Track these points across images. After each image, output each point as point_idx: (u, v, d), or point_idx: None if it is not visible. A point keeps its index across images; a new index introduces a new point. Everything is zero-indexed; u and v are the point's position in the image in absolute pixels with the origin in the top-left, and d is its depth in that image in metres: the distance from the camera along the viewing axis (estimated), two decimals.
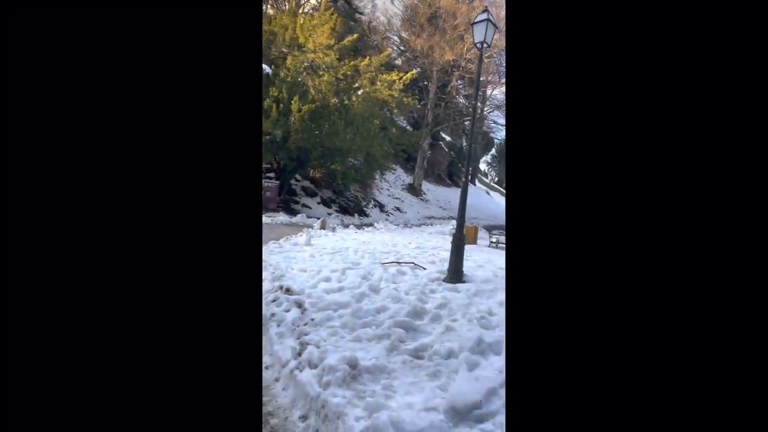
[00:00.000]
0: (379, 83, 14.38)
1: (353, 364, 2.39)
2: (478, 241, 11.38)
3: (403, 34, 21.76)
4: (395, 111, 16.57)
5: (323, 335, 2.93)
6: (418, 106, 20.64)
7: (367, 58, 14.40)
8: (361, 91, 14.32)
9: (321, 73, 12.86)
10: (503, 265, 6.82)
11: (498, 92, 24.26)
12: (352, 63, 13.68)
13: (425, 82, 21.61)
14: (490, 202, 31.61)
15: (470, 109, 5.37)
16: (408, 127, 21.79)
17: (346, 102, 13.50)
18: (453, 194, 25.27)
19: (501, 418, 1.98)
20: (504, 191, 43.23)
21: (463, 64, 20.02)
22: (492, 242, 10.89)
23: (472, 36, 5.00)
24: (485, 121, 26.45)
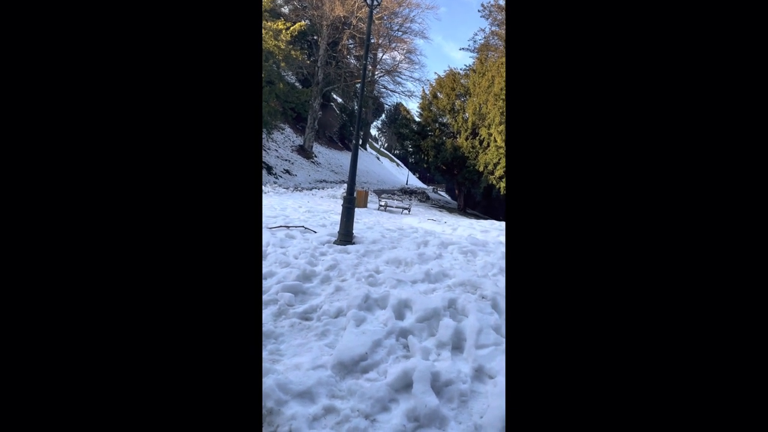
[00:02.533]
0: (263, 31, 13.01)
1: None
2: (368, 205, 11.76)
3: None
4: (282, 65, 15.36)
5: None
6: (308, 62, 19.49)
7: None
8: None
9: None
10: (390, 227, 7.21)
11: (388, 57, 24.51)
12: None
13: (314, 37, 20.39)
14: (380, 167, 32.68)
15: (361, 71, 5.28)
16: (297, 84, 20.54)
17: None
18: (345, 158, 25.25)
19: (385, 366, 2.13)
20: (392, 156, 45.06)
21: (354, 22, 19.43)
22: (381, 206, 11.36)
23: None
24: (376, 85, 26.60)
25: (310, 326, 2.58)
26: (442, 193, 29.19)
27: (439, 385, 1.96)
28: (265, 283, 3.22)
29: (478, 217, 18.98)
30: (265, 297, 2.91)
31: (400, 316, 2.70)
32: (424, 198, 21.01)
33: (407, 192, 22.42)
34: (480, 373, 2.10)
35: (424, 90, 21.95)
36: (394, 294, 2.94)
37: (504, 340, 2.38)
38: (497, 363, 2.14)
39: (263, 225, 5.63)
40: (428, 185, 32.24)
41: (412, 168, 37.85)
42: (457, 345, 2.36)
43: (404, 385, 1.96)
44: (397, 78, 25.53)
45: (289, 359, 2.16)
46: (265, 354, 2.18)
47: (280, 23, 13.59)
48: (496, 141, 19.10)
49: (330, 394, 1.88)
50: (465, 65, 28.19)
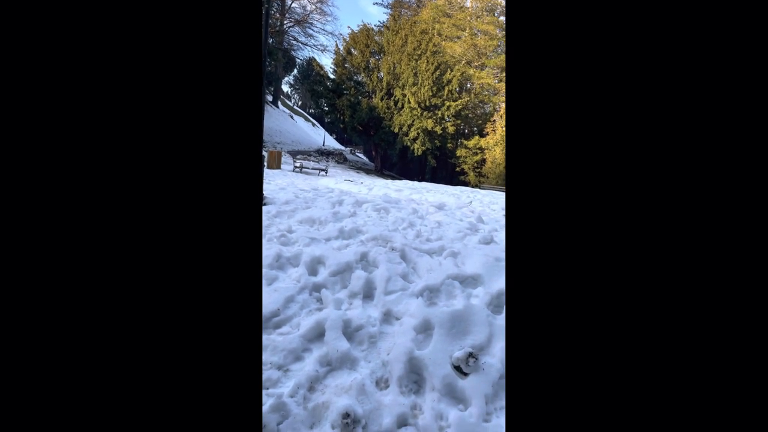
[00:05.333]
0: None
1: None
2: (282, 166, 11.24)
3: None
4: None
5: None
6: None
7: None
8: None
9: None
10: (304, 187, 7.05)
11: (297, 5, 22.63)
12: None
13: None
14: (294, 126, 31.05)
15: (265, 16, 4.74)
16: None
17: None
18: None
19: (298, 320, 2.16)
20: (308, 116, 43.10)
21: None
22: (296, 167, 10.97)
23: None
24: (285, 37, 24.55)
25: None
26: (360, 155, 29.18)
27: (350, 331, 2.07)
28: None
29: (394, 179, 19.52)
30: None
31: (313, 272, 2.73)
32: (341, 159, 20.78)
33: (324, 153, 21.90)
34: (388, 317, 2.27)
35: (337, 45, 21.01)
36: (307, 252, 2.94)
37: (410, 285, 2.58)
38: (403, 306, 2.33)
39: None
40: (346, 146, 31.88)
41: (329, 128, 36.80)
42: (367, 294, 2.49)
43: (317, 334, 2.03)
44: (308, 30, 23.83)
45: None
46: None
47: None
48: (410, 102, 19.44)
49: None
50: (379, 21, 27.46)
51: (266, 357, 1.85)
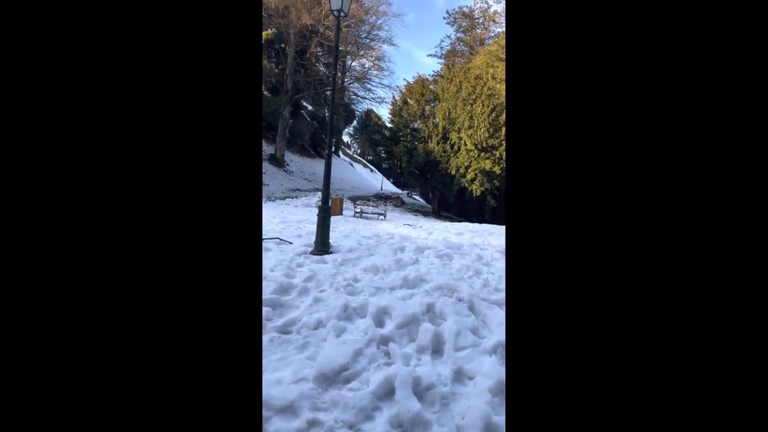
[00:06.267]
0: None
1: None
2: (344, 212, 11.73)
3: None
4: None
5: None
6: (276, 71, 19.31)
7: None
8: None
9: None
10: (366, 234, 7.24)
11: (357, 64, 24.65)
12: None
13: (282, 45, 20.24)
14: (353, 173, 32.67)
15: (331, 78, 5.33)
16: (266, 93, 20.27)
17: None
18: (318, 165, 25.08)
19: (367, 375, 2.15)
20: (366, 162, 45.14)
21: (321, 30, 19.45)
22: (356, 212, 11.36)
23: (329, 3, 4.86)
24: (346, 92, 26.68)
25: (290, 339, 2.56)
26: (417, 197, 29.51)
27: (420, 390, 2.00)
28: None
29: (452, 220, 19.31)
30: None
31: (380, 323, 2.73)
32: (399, 203, 21.17)
33: (382, 197, 22.54)
34: (460, 375, 2.16)
35: (394, 96, 22.24)
36: (373, 302, 2.97)
37: (481, 341, 2.45)
38: (476, 364, 2.21)
39: None
40: (402, 189, 32.52)
41: (386, 173, 38.09)
42: (436, 349, 2.41)
43: (386, 392, 1.98)
44: (367, 85, 25.73)
45: (270, 374, 2.14)
46: None
47: None
48: (466, 145, 19.55)
49: (313, 407, 1.88)
50: (433, 71, 28.71)
51: (337, 414, 1.84)
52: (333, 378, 2.10)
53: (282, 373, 2.14)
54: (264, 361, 2.28)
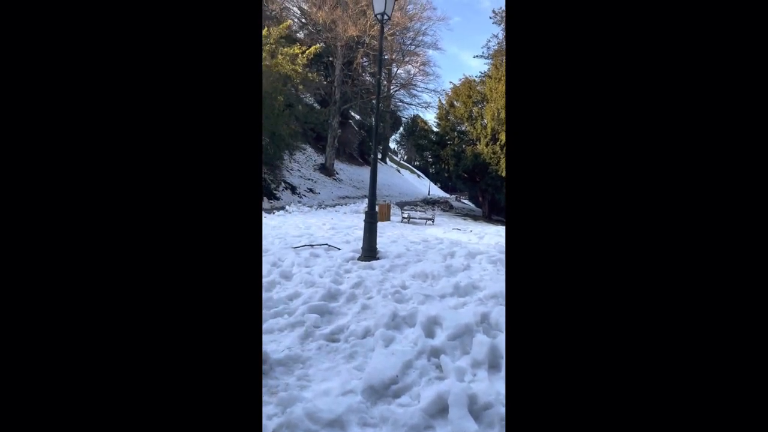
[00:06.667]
0: (280, 56, 13.45)
1: (263, 360, 2.20)
2: (391, 218, 11.69)
3: (304, 6, 20.54)
4: (300, 87, 15.77)
5: None
6: (325, 83, 19.97)
7: (266, 28, 13.30)
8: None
9: None
10: (414, 239, 7.10)
11: (402, 71, 24.74)
12: None
13: (330, 58, 20.90)
14: (400, 179, 32.70)
15: (376, 87, 5.33)
16: (316, 105, 21.02)
17: None
18: (366, 173, 25.45)
19: (417, 390, 2.01)
20: (413, 168, 45.03)
21: (367, 40, 19.80)
22: (404, 218, 11.28)
23: (372, 8, 4.86)
24: (392, 99, 26.86)
25: (338, 348, 2.50)
26: (466, 201, 28.77)
27: (477, 409, 1.82)
28: (292, 305, 3.18)
29: (504, 224, 18.49)
30: (291, 319, 2.87)
31: (430, 333, 2.58)
32: (447, 207, 20.75)
33: (430, 202, 22.24)
34: None
35: (440, 100, 21.95)
36: (422, 310, 2.83)
37: None
38: None
39: (288, 245, 5.66)
40: (451, 194, 31.94)
41: (434, 178, 37.70)
42: (493, 363, 2.21)
43: (439, 409, 1.83)
44: (412, 90, 25.69)
45: (318, 384, 2.08)
46: (293, 380, 2.12)
47: (296, 48, 14.04)
48: None
49: (361, 422, 1.78)
50: (480, 72, 28.03)
51: (387, 431, 1.72)
52: (382, 391, 2.00)
53: (330, 384, 2.07)
54: (311, 371, 2.23)
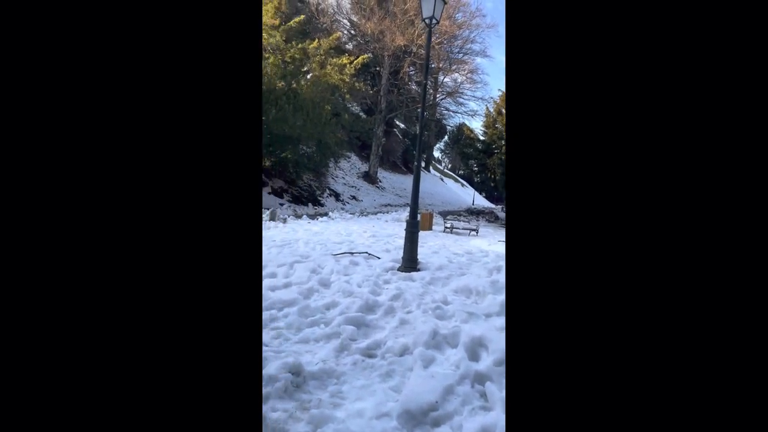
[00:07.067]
0: (329, 67, 13.83)
1: (297, 371, 2.13)
2: (434, 227, 11.45)
3: (353, 18, 21.08)
4: (347, 96, 16.11)
5: (265, 339, 2.62)
6: (371, 92, 20.24)
7: (316, 40, 13.75)
8: (311, 74, 13.70)
9: (266, 55, 12.07)
10: (457, 251, 6.83)
11: (449, 79, 24.46)
12: (300, 45, 12.98)
13: (377, 68, 21.20)
14: (444, 188, 32.20)
15: (422, 95, 5.24)
16: (361, 114, 21.36)
17: (294, 86, 12.81)
18: (409, 181, 25.35)
19: (459, 420, 1.82)
20: (457, 177, 44.30)
21: (414, 50, 19.85)
22: (446, 227, 10.98)
23: (421, 13, 4.77)
24: (438, 108, 26.63)
25: (374, 365, 2.37)
26: None
27: None
28: (329, 314, 3.11)
29: None
30: (327, 329, 2.79)
31: (474, 356, 2.37)
32: (492, 218, 20.01)
33: (474, 212, 21.61)
34: None
35: (487, 108, 21.43)
36: (465, 330, 2.62)
37: None
38: None
39: (329, 252, 5.66)
40: (496, 204, 30.92)
41: (478, 187, 36.71)
42: None
43: None
44: (459, 99, 25.28)
45: (351, 404, 1.96)
46: (326, 396, 2.02)
47: (344, 58, 14.38)
48: None
49: None
50: None
51: None
52: (420, 417, 1.83)
53: (364, 404, 1.94)
54: (345, 387, 2.12)
